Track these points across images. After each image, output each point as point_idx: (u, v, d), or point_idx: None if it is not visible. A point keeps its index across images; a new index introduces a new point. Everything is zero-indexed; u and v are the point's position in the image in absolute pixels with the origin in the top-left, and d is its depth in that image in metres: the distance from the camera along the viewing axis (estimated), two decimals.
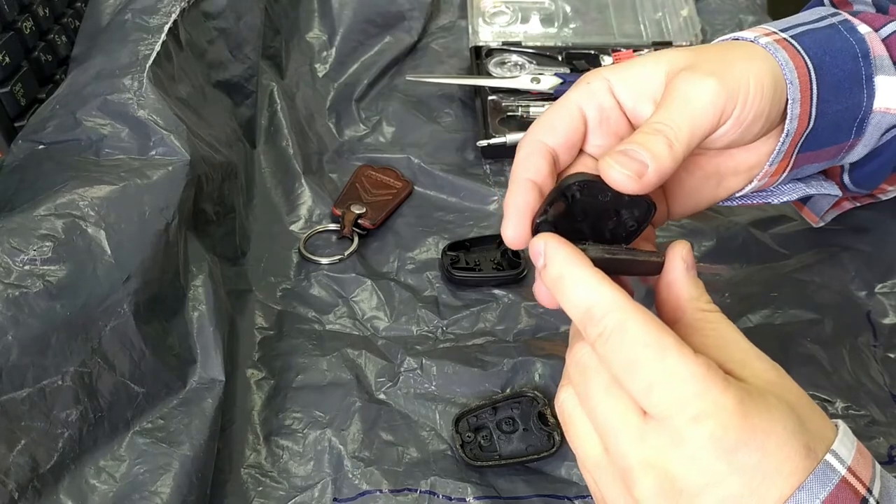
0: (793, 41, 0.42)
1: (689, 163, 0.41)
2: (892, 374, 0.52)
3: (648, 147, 0.36)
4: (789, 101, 0.41)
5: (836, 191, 0.50)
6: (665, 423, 0.30)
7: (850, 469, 0.30)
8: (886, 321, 0.55)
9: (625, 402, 0.32)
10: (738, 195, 0.44)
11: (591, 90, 0.40)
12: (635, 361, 0.31)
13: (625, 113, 0.40)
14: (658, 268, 0.36)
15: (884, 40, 0.44)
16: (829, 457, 0.30)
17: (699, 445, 0.30)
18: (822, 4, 0.54)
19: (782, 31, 0.43)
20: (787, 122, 0.41)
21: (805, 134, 0.42)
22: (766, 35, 0.43)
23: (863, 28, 0.44)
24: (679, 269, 0.36)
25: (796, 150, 0.43)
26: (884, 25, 0.45)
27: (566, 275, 0.34)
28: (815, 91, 0.42)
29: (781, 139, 0.41)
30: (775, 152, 0.42)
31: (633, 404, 0.31)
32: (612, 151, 0.36)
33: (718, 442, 0.29)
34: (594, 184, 0.36)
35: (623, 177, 0.35)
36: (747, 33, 0.43)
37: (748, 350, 0.33)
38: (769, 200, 0.47)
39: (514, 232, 0.37)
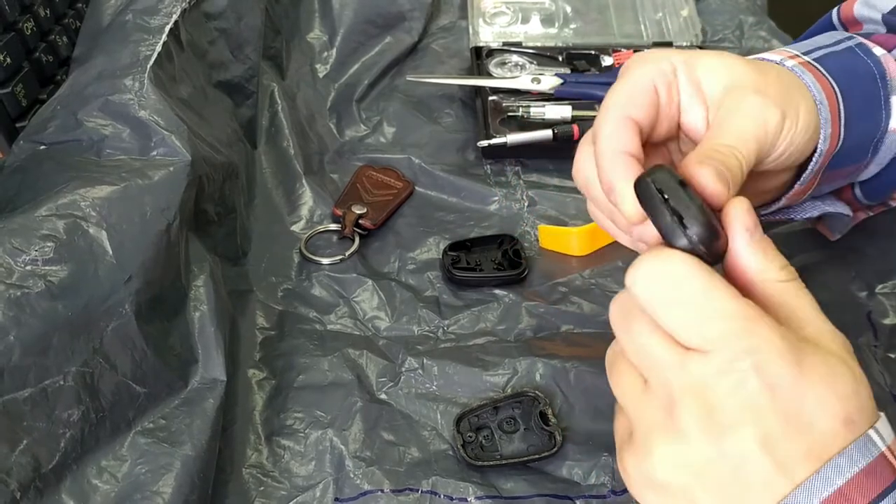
0: (816, 64, 0.43)
1: None
2: (892, 374, 0.52)
3: (731, 167, 0.36)
4: (822, 121, 0.41)
5: (848, 211, 0.51)
6: (710, 354, 0.30)
7: (888, 448, 0.30)
8: (887, 321, 0.55)
9: (667, 339, 0.32)
10: (763, 212, 0.45)
11: (661, 71, 0.40)
12: (683, 299, 0.31)
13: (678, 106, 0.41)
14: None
15: None
16: (871, 432, 0.30)
17: (744, 377, 0.30)
18: (832, 25, 0.54)
19: (804, 54, 0.44)
20: (821, 141, 0.41)
21: (833, 154, 0.43)
22: (791, 58, 0.43)
23: (878, 50, 0.45)
24: (740, 240, 0.33)
25: (824, 169, 0.44)
26: None
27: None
28: (842, 112, 0.42)
29: (815, 158, 0.42)
30: (808, 171, 0.42)
31: (675, 342, 0.32)
32: (709, 160, 0.36)
33: (763, 376, 0.30)
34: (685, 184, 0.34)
35: (722, 188, 0.35)
36: (771, 55, 0.44)
37: (822, 325, 0.33)
38: (792, 217, 0.48)
39: (636, 206, 0.35)
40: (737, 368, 0.30)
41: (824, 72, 0.43)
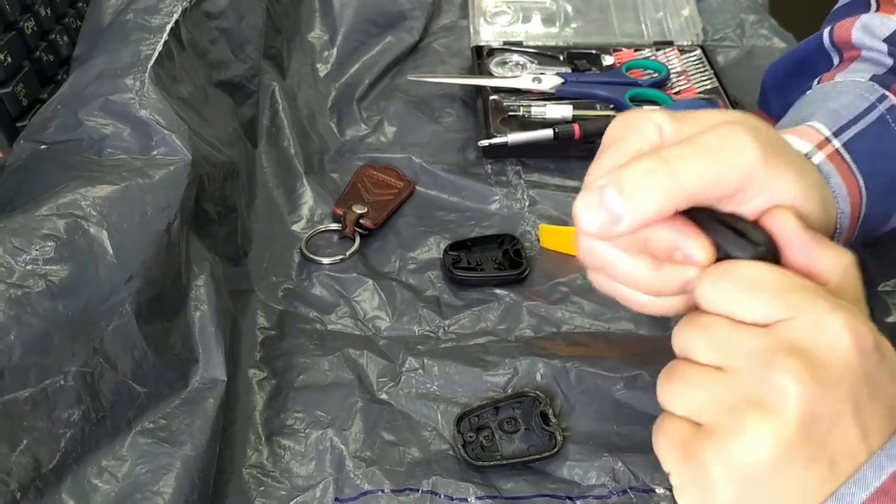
0: (845, 154, 0.42)
1: None
2: None
3: (631, 186, 0.32)
4: (839, 213, 0.41)
5: None
6: (798, 318, 0.30)
7: None
8: (889, 320, 0.55)
9: (748, 326, 0.32)
10: None
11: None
12: (760, 286, 0.31)
13: None
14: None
15: None
16: None
17: (839, 333, 0.30)
18: (823, 48, 0.52)
19: (835, 134, 0.42)
20: (836, 234, 0.41)
21: (852, 238, 0.43)
22: (820, 147, 0.41)
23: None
24: (801, 252, 0.33)
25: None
26: None
27: None
28: (862, 212, 0.42)
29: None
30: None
31: (756, 326, 0.31)
32: (592, 190, 0.34)
33: (854, 335, 0.30)
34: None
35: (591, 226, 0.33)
36: (800, 142, 0.42)
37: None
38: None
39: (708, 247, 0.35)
40: (830, 324, 0.30)
41: (853, 167, 0.41)
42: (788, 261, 0.33)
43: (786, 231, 0.33)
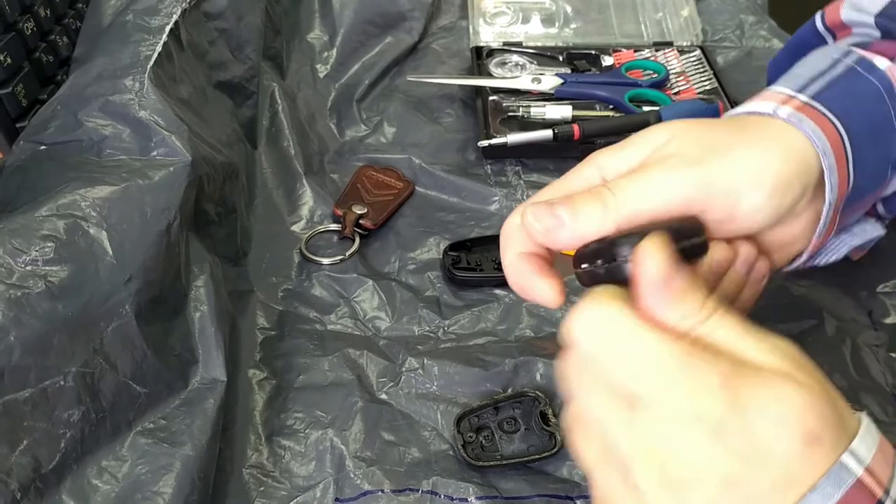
0: (814, 103, 0.40)
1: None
2: (894, 373, 0.52)
3: (578, 206, 0.36)
4: (826, 171, 0.38)
5: (880, 230, 0.48)
6: (651, 408, 0.29)
7: (867, 469, 0.28)
8: (888, 321, 0.55)
9: (609, 394, 0.30)
10: (788, 268, 0.43)
11: (583, 176, 0.39)
12: (617, 347, 0.30)
13: None
14: None
15: None
16: (845, 456, 0.28)
17: (687, 427, 0.28)
18: (817, 33, 0.51)
19: (799, 91, 0.41)
20: (828, 192, 0.39)
21: (846, 196, 0.40)
22: (785, 103, 0.40)
23: (881, 62, 0.42)
24: (651, 293, 0.31)
25: (839, 213, 0.41)
26: None
27: None
28: (848, 152, 0.39)
29: (825, 210, 0.39)
30: (820, 224, 0.40)
31: (619, 396, 0.30)
32: (541, 203, 0.36)
33: (706, 421, 0.28)
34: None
35: (533, 229, 0.36)
36: (762, 104, 0.40)
37: (758, 344, 0.30)
38: (818, 264, 0.45)
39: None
40: (678, 418, 0.28)
41: (824, 111, 0.39)
42: (643, 310, 0.31)
43: (641, 280, 0.31)
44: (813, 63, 0.43)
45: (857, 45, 0.45)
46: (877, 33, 0.47)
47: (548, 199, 0.37)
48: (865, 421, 0.29)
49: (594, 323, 0.31)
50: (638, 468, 0.29)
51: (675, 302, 0.30)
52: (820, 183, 0.39)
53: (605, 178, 0.38)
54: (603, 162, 0.39)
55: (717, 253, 0.38)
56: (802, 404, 0.28)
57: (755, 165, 0.37)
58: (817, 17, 0.53)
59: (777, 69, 0.57)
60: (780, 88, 0.41)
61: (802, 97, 0.40)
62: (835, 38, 0.52)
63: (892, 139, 0.41)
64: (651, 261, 0.30)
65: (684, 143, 0.37)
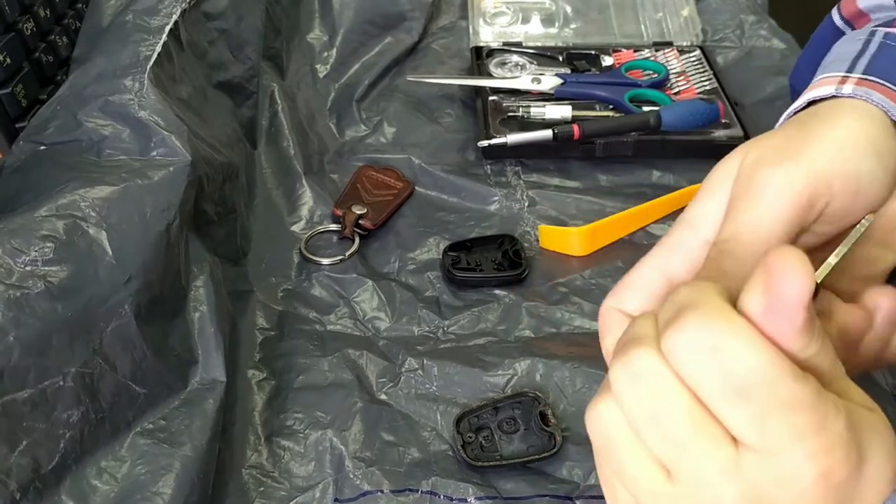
0: (870, 77, 0.37)
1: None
2: (894, 373, 0.52)
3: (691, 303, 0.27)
4: None
5: None
6: (772, 456, 0.25)
7: None
8: None
9: (712, 430, 0.26)
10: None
11: (682, 247, 0.35)
12: (742, 381, 0.25)
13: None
14: None
15: None
16: None
17: (810, 485, 0.25)
18: (836, 28, 0.51)
19: (848, 71, 0.38)
20: None
21: None
22: (842, 83, 0.37)
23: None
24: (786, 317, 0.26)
25: None
26: None
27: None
28: None
29: None
30: None
31: (722, 433, 0.26)
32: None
33: (828, 480, 0.25)
34: None
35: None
36: (820, 90, 0.38)
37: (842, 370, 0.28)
38: None
39: None
40: (804, 475, 0.25)
41: (883, 82, 0.37)
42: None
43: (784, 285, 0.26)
44: (843, 50, 0.42)
45: (878, 26, 0.44)
46: (894, 12, 0.46)
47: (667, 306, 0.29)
48: None
49: (719, 335, 0.26)
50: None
51: (805, 329, 0.26)
52: None
53: (707, 238, 0.33)
54: (692, 219, 0.34)
55: (848, 316, 0.34)
56: (891, 445, 0.27)
57: (849, 137, 0.33)
58: (834, 13, 0.52)
59: (801, 75, 0.55)
60: (827, 74, 0.39)
61: (855, 75, 0.38)
62: (853, 28, 0.51)
63: None
64: (794, 275, 0.25)
65: (763, 155, 0.33)
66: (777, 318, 0.25)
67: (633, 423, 0.28)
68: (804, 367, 0.26)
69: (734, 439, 0.26)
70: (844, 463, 0.26)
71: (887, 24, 0.43)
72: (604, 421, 0.28)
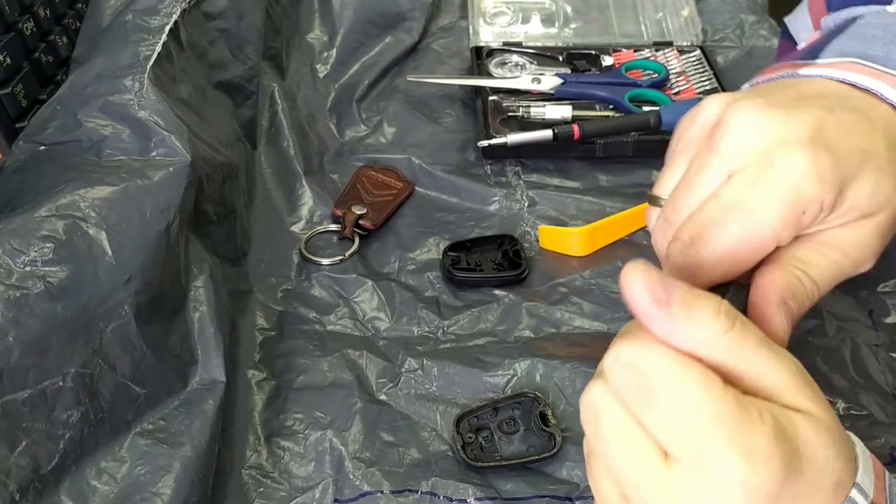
0: (873, 65, 0.37)
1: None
2: (894, 373, 0.52)
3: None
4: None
5: None
6: (691, 466, 0.26)
7: (872, 502, 0.28)
8: (889, 321, 0.55)
9: (642, 445, 0.27)
10: None
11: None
12: (652, 389, 0.27)
13: None
14: None
15: None
16: (853, 493, 0.27)
17: (730, 493, 0.26)
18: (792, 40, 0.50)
19: (859, 59, 0.38)
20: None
21: None
22: (859, 72, 0.37)
23: (893, 7, 0.40)
24: (650, 314, 0.28)
25: None
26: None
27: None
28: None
29: None
30: None
31: (653, 446, 0.27)
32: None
33: (750, 486, 0.25)
34: None
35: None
36: (834, 70, 0.37)
37: (777, 366, 0.28)
38: None
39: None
40: (721, 483, 0.26)
41: (883, 68, 0.37)
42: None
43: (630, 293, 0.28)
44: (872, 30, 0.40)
45: None
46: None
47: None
48: (859, 446, 0.29)
49: (639, 355, 0.27)
50: None
51: (683, 318, 0.27)
52: None
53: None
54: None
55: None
56: (832, 454, 0.27)
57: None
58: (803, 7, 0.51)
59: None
60: (848, 59, 0.38)
61: (870, 65, 0.37)
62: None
63: None
64: (632, 282, 0.27)
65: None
66: (658, 324, 0.27)
67: (593, 449, 0.30)
68: (728, 374, 0.27)
69: (665, 454, 0.27)
70: (769, 471, 0.25)
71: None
72: (586, 442, 0.31)
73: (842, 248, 0.35)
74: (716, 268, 0.32)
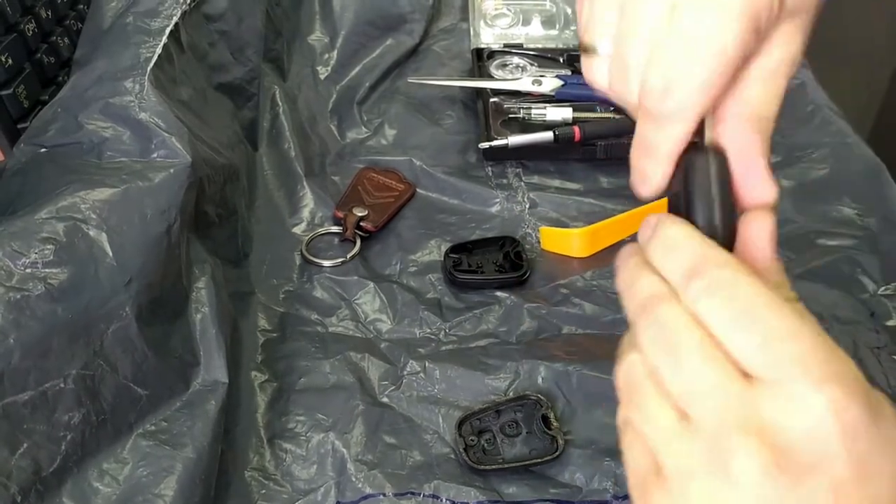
0: None
1: None
2: (895, 375, 0.51)
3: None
4: None
5: None
6: (779, 386, 0.26)
7: None
8: (890, 323, 0.55)
9: (722, 364, 0.27)
10: None
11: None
12: (750, 313, 0.27)
13: None
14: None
15: None
16: None
17: (819, 415, 0.25)
18: None
19: None
20: None
21: None
22: None
23: None
24: (763, 249, 0.30)
25: None
26: None
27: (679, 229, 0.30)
28: None
29: None
30: None
31: (733, 367, 0.27)
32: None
33: (840, 415, 0.25)
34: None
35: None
36: None
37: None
38: None
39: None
40: (812, 405, 0.25)
41: None
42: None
43: (755, 240, 0.30)
44: None
45: None
46: None
47: None
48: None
49: (729, 281, 0.28)
50: (744, 449, 0.26)
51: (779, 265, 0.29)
52: None
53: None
54: None
55: None
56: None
57: None
58: None
59: None
60: None
61: None
62: None
63: None
64: (768, 226, 0.30)
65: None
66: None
67: (655, 370, 0.29)
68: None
69: (746, 375, 0.27)
70: (855, 399, 0.26)
71: None
72: (627, 366, 0.30)
73: (778, 70, 0.33)
74: (692, 112, 0.31)
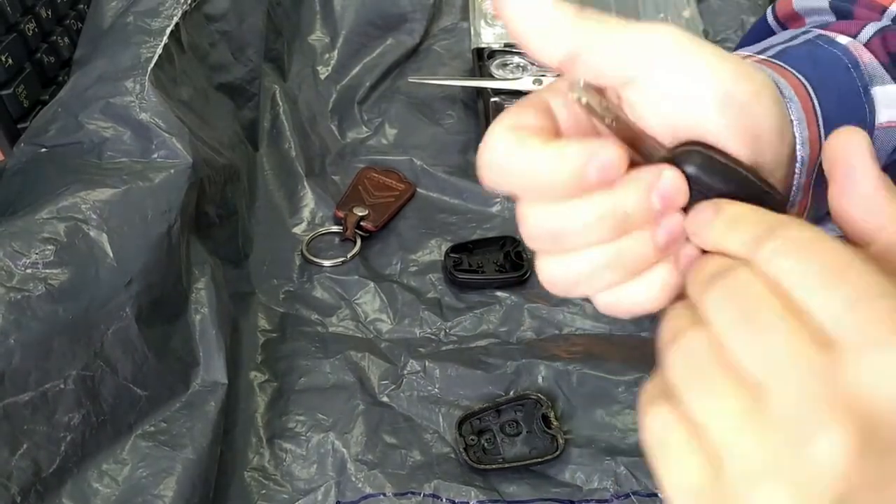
0: (776, 60, 0.36)
1: None
2: None
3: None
4: (794, 123, 0.33)
5: None
6: (867, 349, 0.23)
7: None
8: None
9: (805, 330, 0.24)
10: None
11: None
12: (833, 271, 0.24)
13: None
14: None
15: (866, 45, 0.39)
16: None
17: None
18: (769, 28, 0.48)
19: (758, 52, 0.38)
20: (798, 146, 0.33)
21: (818, 161, 0.35)
22: (745, 59, 0.36)
23: (842, 39, 0.39)
24: (865, 184, 0.27)
25: (812, 183, 0.35)
26: (861, 30, 0.40)
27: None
28: (818, 110, 0.35)
29: (797, 170, 0.33)
30: (794, 186, 0.34)
31: (816, 333, 0.24)
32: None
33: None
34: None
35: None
36: None
37: None
38: None
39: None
40: None
41: (786, 66, 0.36)
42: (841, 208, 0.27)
43: (851, 163, 0.26)
44: (769, 40, 0.40)
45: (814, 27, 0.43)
46: (832, 18, 0.44)
47: None
48: None
49: (807, 241, 0.25)
50: (832, 428, 0.23)
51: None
52: (789, 138, 0.32)
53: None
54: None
55: None
56: None
57: (742, 71, 0.28)
58: (768, 12, 0.49)
59: None
60: (740, 52, 0.38)
61: (761, 56, 0.37)
62: (786, 29, 0.49)
63: (863, 113, 0.37)
64: (864, 145, 0.27)
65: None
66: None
67: (724, 345, 0.25)
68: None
69: (828, 344, 0.23)
70: None
71: (822, 26, 0.41)
72: (692, 350, 0.26)
73: None
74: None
